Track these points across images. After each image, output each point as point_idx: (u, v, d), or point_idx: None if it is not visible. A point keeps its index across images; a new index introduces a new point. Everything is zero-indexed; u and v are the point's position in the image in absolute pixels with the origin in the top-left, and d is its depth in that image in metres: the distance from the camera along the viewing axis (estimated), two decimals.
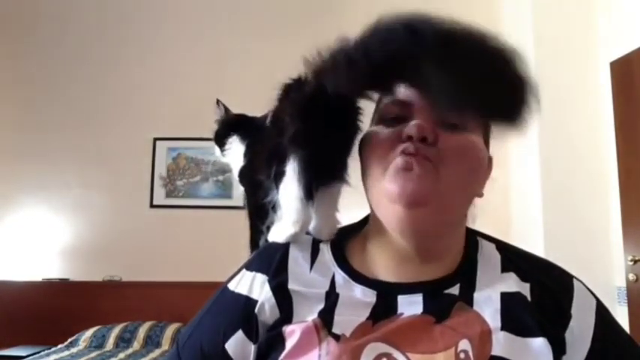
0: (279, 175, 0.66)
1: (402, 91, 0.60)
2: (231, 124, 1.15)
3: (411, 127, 0.59)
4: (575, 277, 0.67)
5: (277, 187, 0.67)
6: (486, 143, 0.66)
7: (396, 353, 0.56)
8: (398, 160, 0.59)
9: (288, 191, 0.65)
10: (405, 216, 0.59)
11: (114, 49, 3.85)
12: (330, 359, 0.55)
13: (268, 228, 0.94)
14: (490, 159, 0.68)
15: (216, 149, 1.18)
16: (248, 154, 1.07)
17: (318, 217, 0.68)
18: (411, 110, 0.61)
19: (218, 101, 1.20)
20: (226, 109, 1.19)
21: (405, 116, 0.61)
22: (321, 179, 0.65)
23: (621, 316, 2.51)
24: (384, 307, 0.60)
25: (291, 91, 0.66)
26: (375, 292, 0.61)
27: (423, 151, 0.58)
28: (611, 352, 0.62)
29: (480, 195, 0.66)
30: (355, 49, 0.56)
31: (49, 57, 3.85)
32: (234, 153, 1.11)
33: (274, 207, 0.74)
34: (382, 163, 0.61)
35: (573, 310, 0.62)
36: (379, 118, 0.65)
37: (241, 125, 1.13)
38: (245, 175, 1.07)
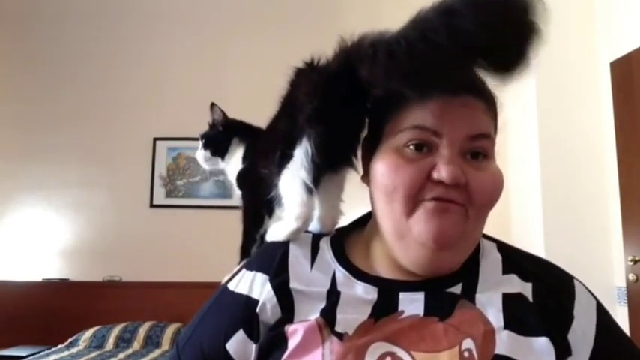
0: (284, 160, 0.65)
1: (430, 119, 0.58)
2: (233, 127, 1.14)
3: (444, 173, 0.56)
4: (575, 278, 0.67)
5: (280, 172, 0.66)
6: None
7: (400, 352, 0.56)
8: (429, 206, 0.58)
9: (292, 180, 0.64)
10: (433, 258, 0.59)
11: (114, 48, 3.85)
12: (335, 358, 0.55)
13: (262, 237, 0.94)
14: None
15: (201, 153, 1.16)
16: (248, 157, 1.07)
17: (323, 207, 0.68)
18: (437, 139, 0.58)
19: (213, 105, 1.17)
20: (224, 113, 1.17)
21: (430, 144, 0.59)
22: (333, 162, 0.64)
23: (621, 316, 2.51)
24: (386, 304, 0.60)
25: (304, 75, 0.66)
26: (376, 289, 0.61)
27: (455, 197, 0.58)
28: (612, 352, 0.63)
29: None
30: (397, 42, 0.54)
31: (50, 56, 3.85)
32: (235, 156, 1.10)
33: (273, 209, 0.73)
34: (409, 201, 0.58)
35: (575, 312, 0.62)
36: (399, 142, 0.60)
37: (241, 129, 1.13)
38: (245, 176, 1.06)
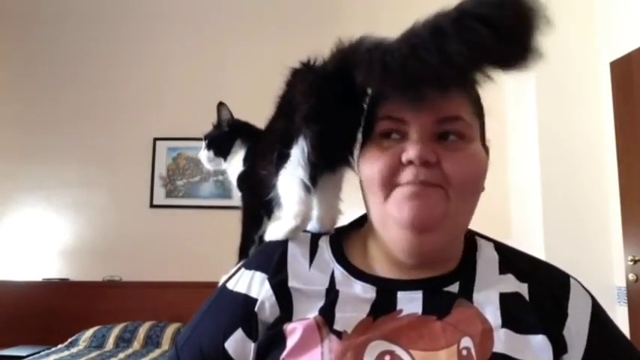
0: (282, 159, 0.65)
1: (397, 107, 0.59)
2: (237, 128, 1.13)
3: (411, 152, 0.57)
4: (572, 276, 0.67)
5: (278, 172, 0.66)
6: (482, 131, 0.66)
7: (399, 350, 0.56)
8: (404, 190, 0.58)
9: (290, 178, 0.65)
10: (415, 241, 0.59)
11: (114, 48, 3.85)
12: (334, 357, 0.55)
13: (261, 238, 0.94)
14: (487, 148, 0.68)
15: (204, 153, 1.15)
16: (249, 158, 1.07)
17: (321, 207, 0.68)
18: (406, 127, 0.60)
19: (222, 104, 1.16)
20: (231, 113, 1.16)
21: (401, 132, 0.60)
22: (329, 162, 0.65)
23: (621, 316, 2.51)
24: (384, 303, 0.60)
25: (300, 75, 0.67)
26: (374, 288, 0.61)
27: (427, 177, 0.58)
28: (606, 350, 0.63)
29: (483, 189, 0.66)
30: (390, 54, 0.55)
31: (50, 56, 3.85)
32: (236, 157, 1.10)
33: (272, 210, 0.73)
34: (384, 187, 0.60)
35: (570, 309, 0.62)
36: (375, 134, 0.62)
37: (245, 130, 1.12)
38: (245, 178, 1.06)
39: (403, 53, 0.54)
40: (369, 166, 0.61)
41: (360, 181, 0.67)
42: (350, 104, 0.62)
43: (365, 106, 0.64)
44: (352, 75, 0.59)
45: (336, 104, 0.61)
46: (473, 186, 0.61)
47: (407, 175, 0.58)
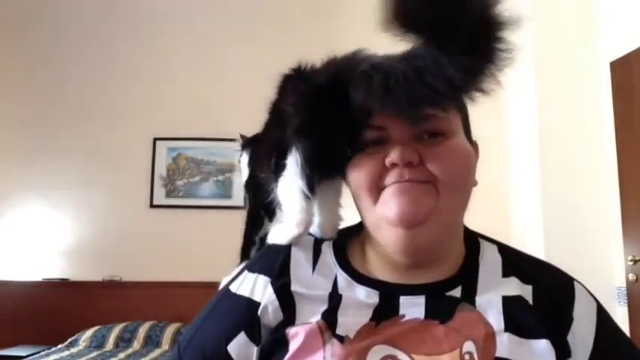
0: (279, 168, 0.65)
1: (376, 116, 0.60)
2: (243, 145, 1.17)
3: (394, 155, 0.58)
4: (576, 280, 0.67)
5: (277, 179, 0.66)
6: (467, 127, 0.66)
7: (401, 355, 0.56)
8: (392, 188, 0.59)
9: (290, 187, 0.64)
10: (408, 237, 0.59)
11: (114, 49, 3.85)
12: None
13: (262, 240, 0.94)
14: (475, 144, 0.68)
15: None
16: (251, 162, 1.08)
17: (322, 214, 0.68)
18: (386, 132, 0.61)
19: (240, 136, 1.21)
20: (242, 137, 1.19)
21: (383, 138, 0.61)
22: (324, 172, 0.64)
23: (621, 316, 2.51)
24: (387, 308, 0.60)
25: (291, 81, 0.66)
26: (377, 293, 0.61)
27: (413, 176, 0.58)
28: (612, 355, 0.62)
29: (475, 184, 0.66)
30: (394, 78, 0.54)
31: (50, 56, 3.85)
32: (242, 163, 1.12)
33: (273, 211, 0.73)
34: (372, 191, 0.61)
35: (575, 314, 0.62)
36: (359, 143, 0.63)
37: (248, 142, 1.15)
38: (249, 181, 1.08)
39: (408, 77, 0.53)
40: (356, 173, 0.62)
41: (352, 193, 0.67)
42: (341, 117, 0.61)
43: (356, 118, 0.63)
44: (345, 89, 0.58)
45: (327, 118, 0.61)
46: (460, 179, 0.61)
47: (392, 177, 0.59)
